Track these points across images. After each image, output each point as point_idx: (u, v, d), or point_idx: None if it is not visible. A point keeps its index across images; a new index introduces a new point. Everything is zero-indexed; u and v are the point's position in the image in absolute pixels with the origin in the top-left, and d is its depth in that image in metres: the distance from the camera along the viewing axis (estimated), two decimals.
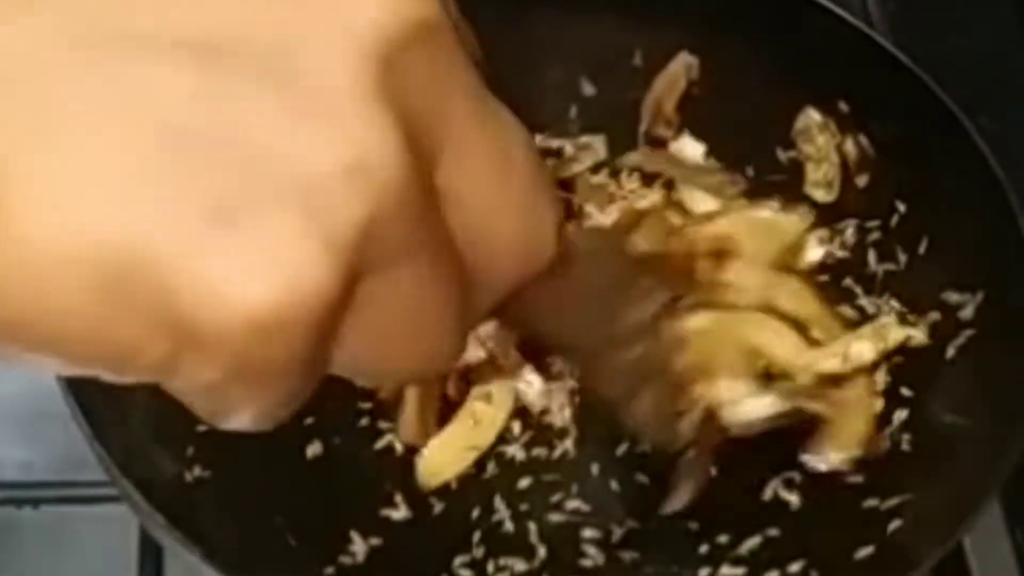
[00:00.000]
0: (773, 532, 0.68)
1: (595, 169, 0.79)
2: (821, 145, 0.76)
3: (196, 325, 0.27)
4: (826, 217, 0.76)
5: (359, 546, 0.66)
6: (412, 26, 0.30)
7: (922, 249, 0.73)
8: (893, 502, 0.66)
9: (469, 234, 0.32)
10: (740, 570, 0.66)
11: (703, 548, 0.67)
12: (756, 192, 0.78)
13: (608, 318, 0.52)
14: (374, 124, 0.28)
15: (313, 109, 0.28)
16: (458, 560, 0.67)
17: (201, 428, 0.65)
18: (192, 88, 0.27)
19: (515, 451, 0.70)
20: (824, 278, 0.75)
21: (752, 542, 0.67)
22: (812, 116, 0.76)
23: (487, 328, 0.68)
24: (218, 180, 0.27)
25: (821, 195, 0.76)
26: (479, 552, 0.67)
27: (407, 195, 0.29)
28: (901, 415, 0.70)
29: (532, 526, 0.68)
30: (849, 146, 0.75)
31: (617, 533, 0.68)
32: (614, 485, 0.70)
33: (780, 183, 0.77)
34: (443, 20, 0.31)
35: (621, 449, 0.70)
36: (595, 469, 0.70)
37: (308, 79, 0.28)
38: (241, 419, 0.30)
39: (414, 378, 0.29)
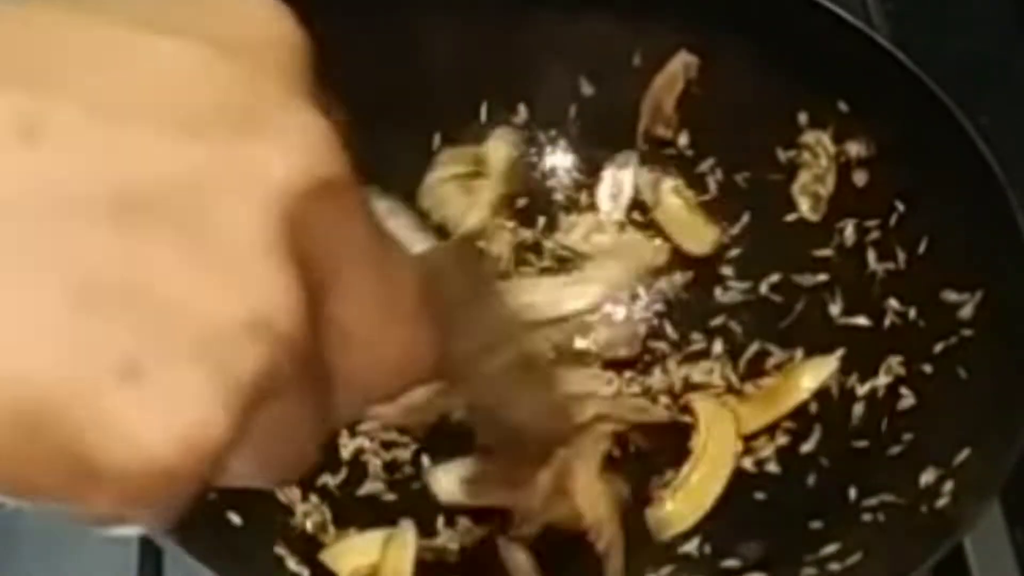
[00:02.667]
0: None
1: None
2: (822, 163, 0.76)
3: (97, 467, 0.29)
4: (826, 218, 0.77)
5: None
6: (322, 185, 0.31)
7: (922, 249, 0.73)
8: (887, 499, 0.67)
9: (351, 360, 0.34)
10: None
11: None
12: (756, 191, 0.78)
13: (472, 326, 0.53)
14: (277, 279, 0.30)
15: (221, 263, 0.29)
16: None
17: None
18: (106, 244, 0.28)
19: None
20: (824, 277, 0.75)
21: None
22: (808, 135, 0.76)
23: None
24: (128, 333, 0.28)
25: (807, 208, 0.77)
26: None
27: (301, 343, 0.30)
28: (901, 415, 0.70)
29: None
30: (849, 146, 0.76)
31: None
32: None
33: (780, 183, 0.77)
34: (350, 178, 0.32)
35: None
36: None
37: (218, 233, 0.29)
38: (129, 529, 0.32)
39: (281, 483, 0.33)
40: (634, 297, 0.77)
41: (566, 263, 0.78)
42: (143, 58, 0.30)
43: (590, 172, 0.80)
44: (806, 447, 0.72)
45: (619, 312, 0.76)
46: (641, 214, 0.79)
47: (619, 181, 0.80)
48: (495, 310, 0.57)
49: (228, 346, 0.29)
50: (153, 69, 0.30)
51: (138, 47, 0.30)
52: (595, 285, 0.75)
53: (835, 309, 0.75)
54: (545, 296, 0.74)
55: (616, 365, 0.74)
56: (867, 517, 0.67)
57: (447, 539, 0.68)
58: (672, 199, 0.78)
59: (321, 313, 0.32)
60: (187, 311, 0.29)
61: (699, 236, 0.78)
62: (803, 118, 0.77)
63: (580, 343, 0.74)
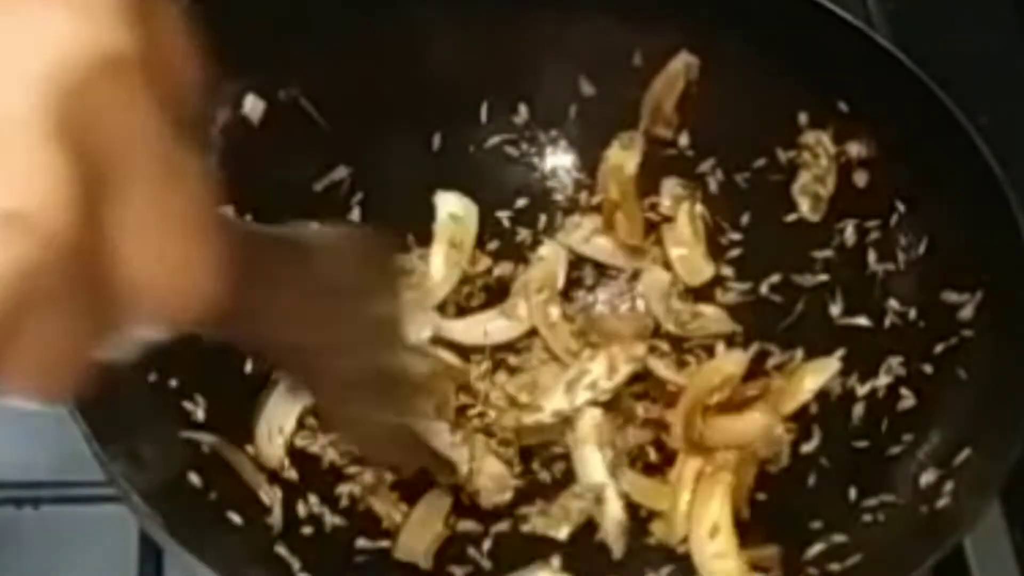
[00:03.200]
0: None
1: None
2: (822, 163, 0.76)
3: None
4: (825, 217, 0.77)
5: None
6: (107, 60, 0.29)
7: (922, 249, 0.73)
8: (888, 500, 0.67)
9: (125, 270, 0.32)
10: None
11: None
12: (756, 191, 0.78)
13: (340, 321, 0.52)
14: (46, 170, 0.28)
15: None
16: None
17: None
18: None
19: None
20: (824, 278, 0.75)
21: None
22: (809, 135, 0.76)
23: None
24: None
25: (807, 208, 0.77)
26: None
27: (68, 243, 0.29)
28: (901, 415, 0.70)
29: None
30: (849, 146, 0.76)
31: None
32: None
33: (780, 183, 0.77)
34: (132, 55, 0.30)
35: None
36: None
37: None
38: None
39: (51, 398, 0.32)
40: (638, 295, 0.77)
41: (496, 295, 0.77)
42: None
43: (590, 172, 0.80)
44: (806, 447, 0.72)
45: (625, 305, 0.76)
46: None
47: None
48: (374, 315, 0.56)
49: None
50: None
51: None
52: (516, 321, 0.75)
53: (835, 309, 0.75)
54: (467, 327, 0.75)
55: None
56: (867, 517, 0.67)
57: None
58: (685, 223, 0.78)
59: (98, 214, 0.30)
60: None
61: (695, 267, 0.78)
62: (803, 118, 0.77)
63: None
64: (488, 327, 0.75)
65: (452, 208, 0.78)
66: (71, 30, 0.28)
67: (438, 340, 0.74)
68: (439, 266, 0.77)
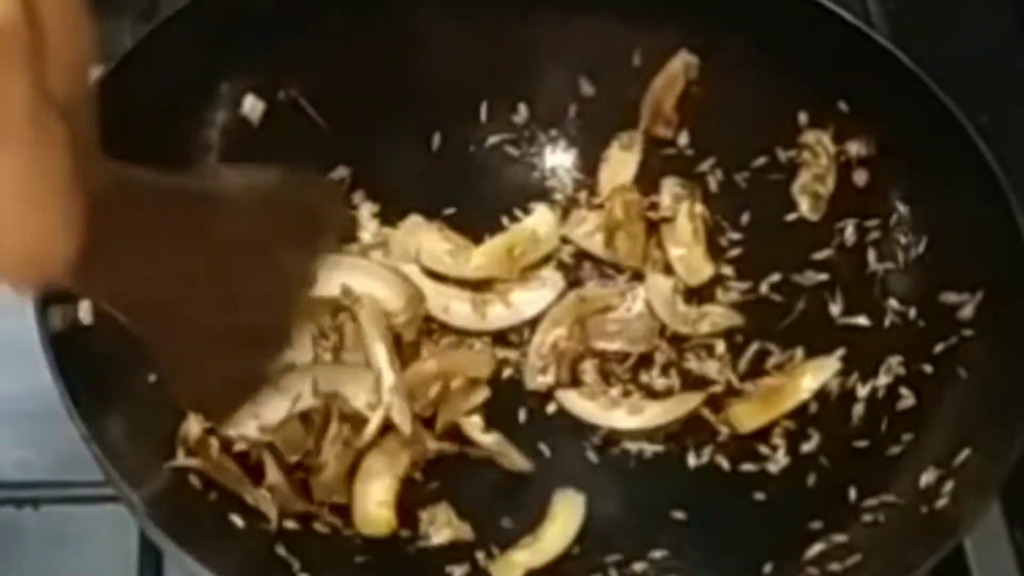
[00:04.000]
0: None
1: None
2: (822, 163, 0.76)
3: None
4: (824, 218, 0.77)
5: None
6: None
7: (922, 249, 0.73)
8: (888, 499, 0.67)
9: None
10: None
11: None
12: (756, 191, 0.78)
13: (229, 272, 0.51)
14: None
15: None
16: None
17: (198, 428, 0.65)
18: None
19: None
20: (824, 277, 0.75)
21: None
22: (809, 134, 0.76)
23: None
24: None
25: (807, 207, 0.77)
26: None
27: None
28: (901, 415, 0.70)
29: None
30: (849, 145, 0.76)
31: None
32: None
33: (780, 183, 0.77)
34: (6, 25, 0.32)
35: None
36: None
37: None
38: None
39: None
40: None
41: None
42: None
43: (590, 172, 0.80)
44: (806, 447, 0.72)
45: (636, 307, 0.76)
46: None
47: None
48: (280, 268, 0.55)
49: None
50: None
51: None
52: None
53: (835, 309, 0.75)
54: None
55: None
56: (867, 517, 0.67)
57: None
58: (685, 222, 0.78)
59: None
60: None
61: (695, 267, 0.78)
62: (803, 118, 0.77)
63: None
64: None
65: (540, 225, 0.78)
66: None
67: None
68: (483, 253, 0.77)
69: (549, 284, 0.77)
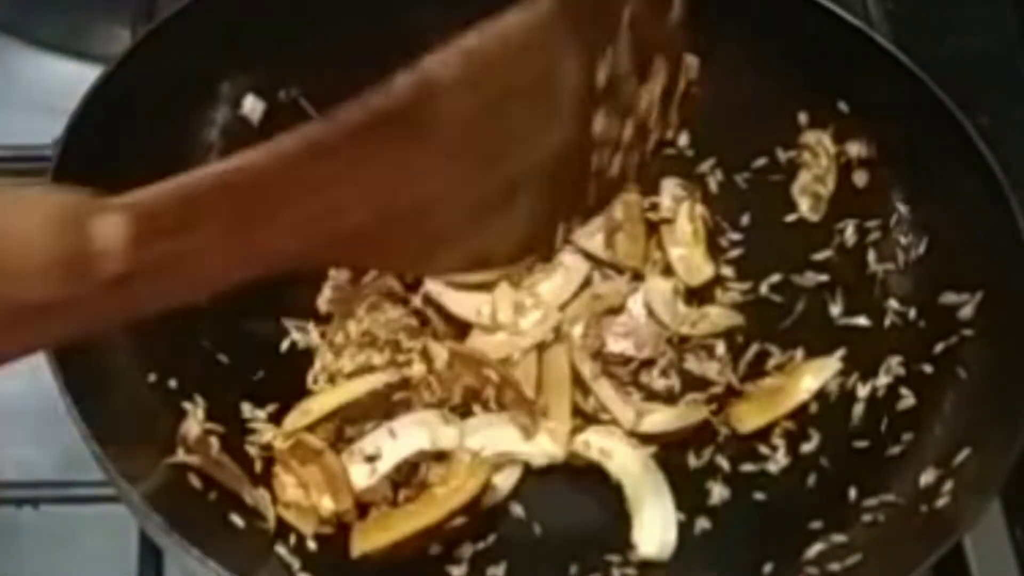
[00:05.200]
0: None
1: None
2: (822, 163, 0.76)
3: None
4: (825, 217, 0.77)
5: None
6: None
7: (922, 249, 0.73)
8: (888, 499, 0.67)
9: None
10: None
11: None
12: (756, 191, 0.78)
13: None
14: None
15: None
16: None
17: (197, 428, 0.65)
18: None
19: None
20: (824, 278, 0.75)
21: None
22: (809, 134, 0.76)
23: None
24: None
25: (807, 208, 0.77)
26: None
27: None
28: (901, 415, 0.70)
29: None
30: (849, 146, 0.76)
31: None
32: None
33: (780, 183, 0.77)
34: None
35: None
36: None
37: None
38: None
39: None
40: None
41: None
42: None
43: None
44: (806, 447, 0.72)
45: (641, 312, 0.76)
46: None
47: None
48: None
49: None
50: None
51: None
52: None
53: (835, 309, 0.75)
54: None
55: None
56: (867, 517, 0.67)
57: None
58: (685, 222, 0.78)
59: None
60: None
61: (695, 267, 0.78)
62: (803, 118, 0.77)
63: None
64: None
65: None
66: None
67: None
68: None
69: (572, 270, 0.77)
